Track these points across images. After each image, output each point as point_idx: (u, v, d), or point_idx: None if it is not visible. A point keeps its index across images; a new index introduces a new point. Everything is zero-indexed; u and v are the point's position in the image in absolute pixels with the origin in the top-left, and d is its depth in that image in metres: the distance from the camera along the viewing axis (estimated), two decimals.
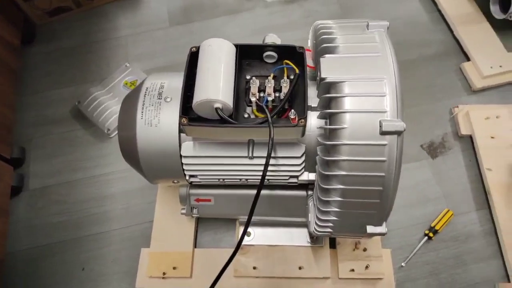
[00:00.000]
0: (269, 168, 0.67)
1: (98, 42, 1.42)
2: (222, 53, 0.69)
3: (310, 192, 0.87)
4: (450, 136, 1.20)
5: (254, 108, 0.70)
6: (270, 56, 0.73)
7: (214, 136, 0.73)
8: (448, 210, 1.07)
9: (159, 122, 0.73)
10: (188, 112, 0.68)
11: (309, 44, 0.80)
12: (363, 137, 0.61)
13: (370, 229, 0.68)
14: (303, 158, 0.74)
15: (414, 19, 1.42)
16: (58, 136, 1.25)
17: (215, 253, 1.03)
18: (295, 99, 0.70)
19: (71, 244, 1.10)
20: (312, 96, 0.71)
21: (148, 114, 0.73)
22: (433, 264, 1.03)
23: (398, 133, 0.60)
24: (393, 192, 0.64)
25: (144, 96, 0.75)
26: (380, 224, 0.68)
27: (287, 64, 0.72)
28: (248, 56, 0.74)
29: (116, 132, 1.23)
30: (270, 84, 0.68)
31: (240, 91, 0.72)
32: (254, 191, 0.67)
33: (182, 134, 0.73)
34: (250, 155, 0.73)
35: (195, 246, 1.04)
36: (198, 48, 0.71)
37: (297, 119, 0.65)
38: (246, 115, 0.71)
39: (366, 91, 0.62)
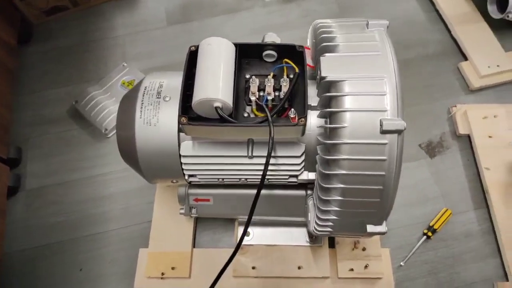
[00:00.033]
0: (269, 167, 0.67)
1: (95, 41, 1.41)
2: (221, 52, 0.68)
3: (309, 192, 0.86)
4: (448, 135, 1.20)
5: (254, 107, 0.69)
6: (270, 55, 0.73)
7: (213, 136, 0.73)
8: (447, 209, 1.07)
9: (158, 121, 0.72)
10: (188, 111, 0.68)
11: (308, 43, 0.80)
12: (363, 136, 0.61)
13: (370, 228, 0.68)
14: (303, 157, 0.73)
15: (412, 19, 1.42)
16: (55, 136, 1.24)
17: (214, 253, 1.02)
18: (295, 98, 0.70)
19: (68, 245, 1.09)
20: (311, 95, 0.71)
21: (147, 114, 0.72)
22: (432, 264, 1.03)
23: (399, 132, 0.60)
24: (394, 191, 0.64)
25: (143, 96, 0.74)
26: (380, 223, 0.68)
27: (287, 63, 0.71)
28: (247, 55, 0.74)
29: (114, 132, 1.22)
30: (270, 83, 0.68)
31: (240, 90, 0.72)
32: (253, 191, 0.67)
33: (181, 134, 0.73)
34: (250, 154, 0.73)
35: (193, 246, 1.04)
36: (197, 47, 0.70)
37: (297, 118, 0.65)
38: (245, 114, 0.70)
39: (367, 90, 0.61)
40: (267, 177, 0.76)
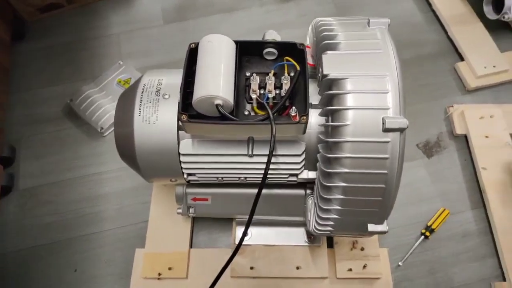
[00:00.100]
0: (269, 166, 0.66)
1: (90, 39, 1.40)
2: (222, 49, 0.68)
3: (308, 191, 0.86)
4: (445, 135, 1.20)
5: (255, 105, 0.69)
6: (270, 53, 0.72)
7: (214, 134, 0.72)
8: (444, 209, 1.07)
9: (157, 119, 0.71)
10: (187, 109, 0.67)
11: (308, 41, 0.80)
12: (365, 134, 0.60)
13: (371, 227, 0.68)
14: (303, 156, 0.73)
15: (409, 19, 1.42)
16: (49, 134, 1.23)
17: (212, 253, 1.01)
18: (296, 96, 0.69)
19: (63, 245, 1.07)
20: (312, 94, 0.70)
21: (146, 111, 0.71)
22: (430, 263, 1.03)
23: (401, 130, 0.59)
24: (395, 190, 0.63)
25: (142, 93, 0.73)
26: (381, 222, 0.68)
27: (287, 61, 0.71)
28: (248, 52, 0.73)
29: (110, 130, 1.21)
30: (270, 81, 0.67)
31: (240, 88, 0.71)
32: (252, 190, 0.66)
33: (180, 132, 0.72)
34: (250, 153, 0.72)
35: (191, 246, 1.03)
36: (197, 44, 0.70)
37: (298, 116, 0.64)
38: (246, 112, 0.70)
39: (369, 88, 0.61)
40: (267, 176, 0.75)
